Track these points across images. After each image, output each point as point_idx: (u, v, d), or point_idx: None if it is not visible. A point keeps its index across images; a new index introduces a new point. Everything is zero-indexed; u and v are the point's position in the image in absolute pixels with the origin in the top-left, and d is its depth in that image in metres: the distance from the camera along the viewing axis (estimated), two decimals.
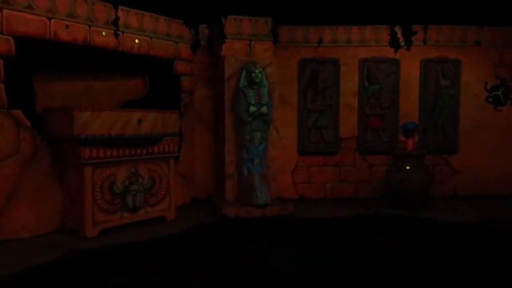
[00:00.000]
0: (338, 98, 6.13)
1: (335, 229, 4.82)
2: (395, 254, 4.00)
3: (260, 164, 5.30)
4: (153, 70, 5.48)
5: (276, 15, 5.71)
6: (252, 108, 5.20)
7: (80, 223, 4.25)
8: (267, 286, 3.32)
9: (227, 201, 5.40)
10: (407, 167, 5.46)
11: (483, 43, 6.23)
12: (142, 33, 5.24)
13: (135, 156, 4.57)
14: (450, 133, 6.26)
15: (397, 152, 5.70)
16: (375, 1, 5.85)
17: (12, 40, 4.07)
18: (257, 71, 5.26)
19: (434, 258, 3.84)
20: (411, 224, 4.96)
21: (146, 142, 4.65)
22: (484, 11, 5.94)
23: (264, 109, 5.24)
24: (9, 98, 4.09)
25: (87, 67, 4.82)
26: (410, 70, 6.17)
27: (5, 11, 4.01)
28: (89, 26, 4.66)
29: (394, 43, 6.15)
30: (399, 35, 6.13)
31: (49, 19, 4.29)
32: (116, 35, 4.93)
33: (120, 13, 4.98)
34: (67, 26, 4.45)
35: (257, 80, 5.24)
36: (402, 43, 6.16)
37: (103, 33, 4.79)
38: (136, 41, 5.15)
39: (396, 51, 6.17)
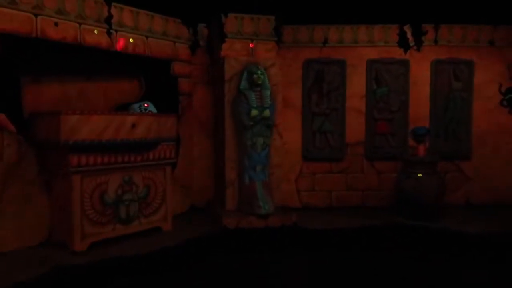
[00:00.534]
0: (344, 101, 5.88)
1: (341, 239, 4.63)
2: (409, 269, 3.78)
3: (263, 171, 5.05)
4: (149, 71, 5.24)
5: (279, 13, 5.46)
6: (254, 112, 4.94)
7: (68, 235, 3.95)
8: None
9: (227, 210, 5.15)
10: (419, 174, 5.18)
11: (497, 43, 5.96)
12: (137, 32, 4.97)
13: (128, 163, 4.30)
14: (462, 138, 5.99)
15: (408, 159, 5.43)
16: None
17: None
18: (259, 72, 5.01)
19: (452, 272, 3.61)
20: (428, 235, 4.69)
21: (141, 148, 4.38)
22: (498, 9, 5.68)
23: (266, 112, 4.99)
24: None
25: (79, 68, 4.57)
26: (420, 72, 5.91)
27: None
28: (80, 24, 4.37)
29: (403, 43, 5.89)
30: (409, 35, 5.88)
31: (36, 15, 4.00)
32: (109, 33, 4.65)
33: (113, 11, 4.69)
34: (56, 24, 4.16)
35: (259, 82, 5.00)
36: (412, 43, 5.90)
37: (95, 32, 4.51)
38: (131, 40, 4.88)
39: (405, 52, 5.91)
